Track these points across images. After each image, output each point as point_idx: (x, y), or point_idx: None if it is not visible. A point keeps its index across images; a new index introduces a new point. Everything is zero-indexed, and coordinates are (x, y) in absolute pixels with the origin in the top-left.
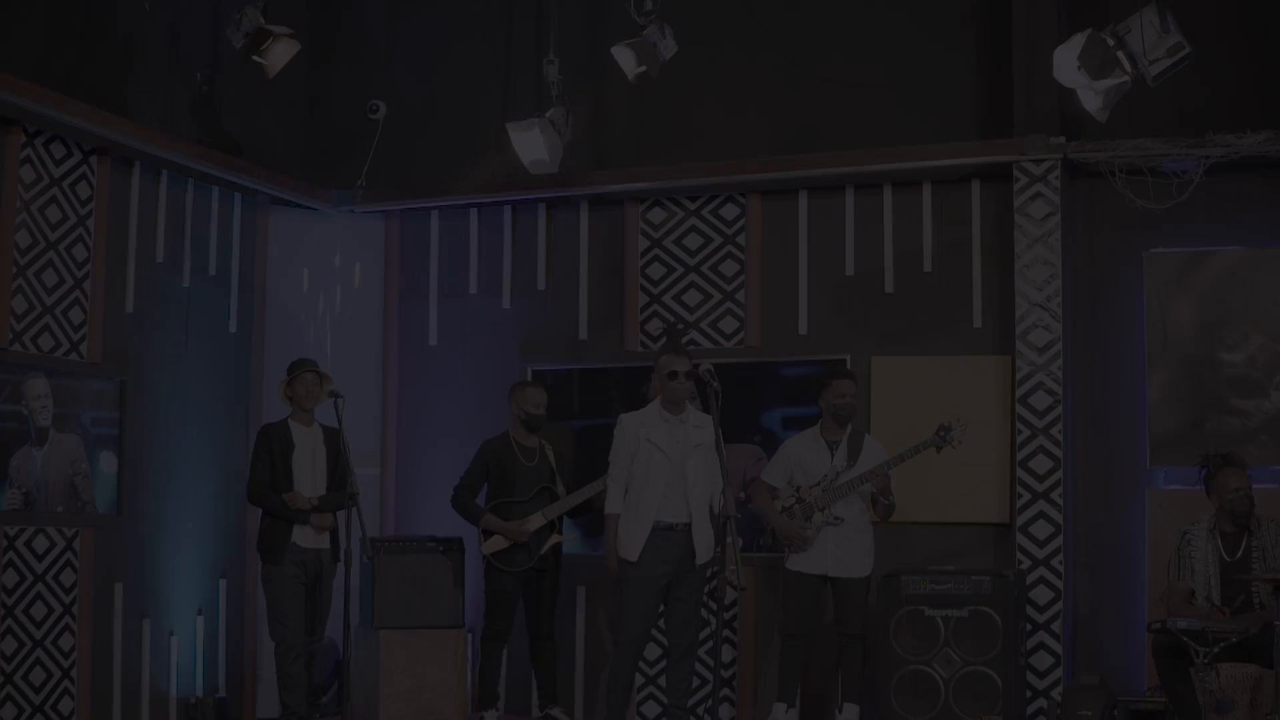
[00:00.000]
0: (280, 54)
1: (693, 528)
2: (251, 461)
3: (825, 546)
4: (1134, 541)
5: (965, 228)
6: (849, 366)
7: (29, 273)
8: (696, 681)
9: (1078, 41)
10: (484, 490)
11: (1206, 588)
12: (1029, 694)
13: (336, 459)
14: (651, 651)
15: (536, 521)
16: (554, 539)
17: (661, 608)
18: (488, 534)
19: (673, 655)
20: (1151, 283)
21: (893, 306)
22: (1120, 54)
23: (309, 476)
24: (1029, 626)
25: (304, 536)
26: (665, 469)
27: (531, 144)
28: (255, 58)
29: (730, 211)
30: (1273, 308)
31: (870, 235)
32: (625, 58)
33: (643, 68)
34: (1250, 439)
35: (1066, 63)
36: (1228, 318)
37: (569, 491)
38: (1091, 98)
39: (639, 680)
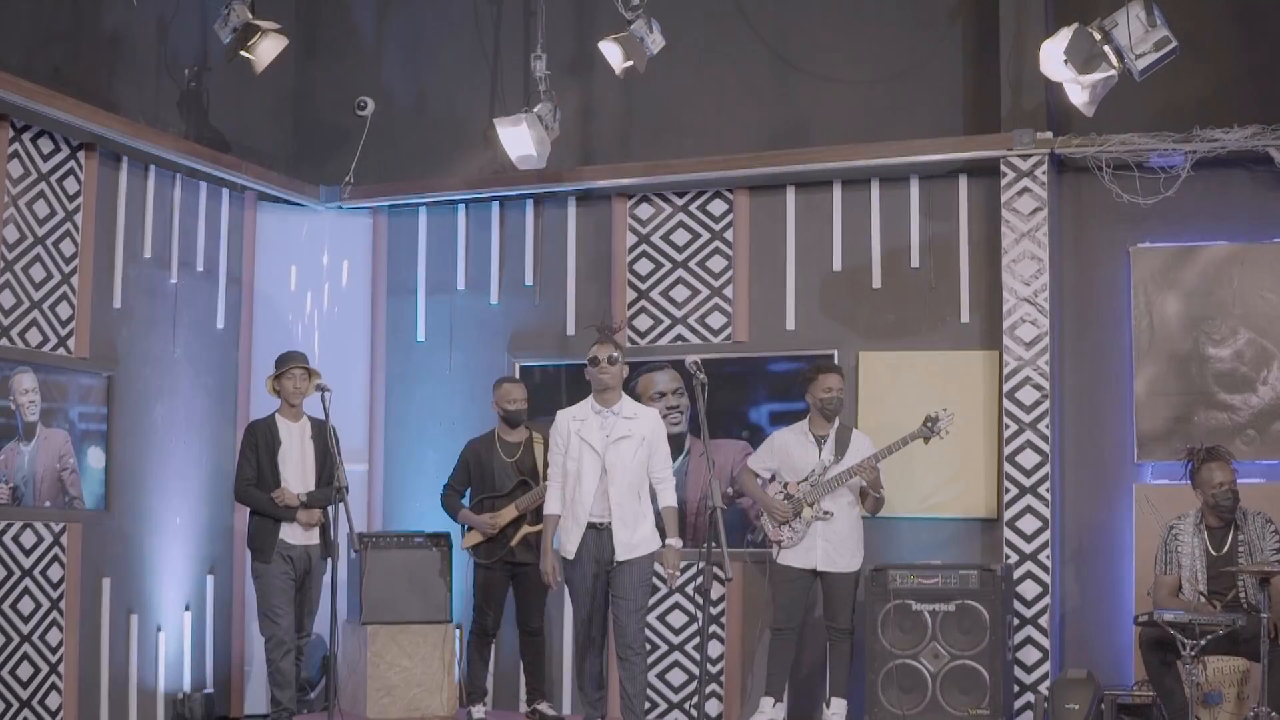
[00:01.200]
0: (268, 50)
1: (612, 526)
2: (238, 459)
3: (814, 541)
4: (1121, 536)
5: (953, 223)
6: (836, 362)
7: (16, 267)
8: (684, 677)
9: (1064, 36)
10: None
11: (1193, 581)
12: (1017, 689)
13: (325, 453)
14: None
15: (509, 514)
16: (525, 529)
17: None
18: (469, 529)
19: (617, 656)
20: (1139, 277)
21: (880, 302)
22: (1107, 48)
23: (297, 472)
24: (1016, 621)
25: (292, 533)
26: (597, 465)
27: (519, 139)
28: (243, 53)
29: (718, 207)
30: (1260, 303)
31: (858, 231)
32: (612, 52)
33: (630, 62)
34: (1237, 434)
35: (1053, 57)
36: (1215, 313)
37: None
38: (1078, 92)
39: None
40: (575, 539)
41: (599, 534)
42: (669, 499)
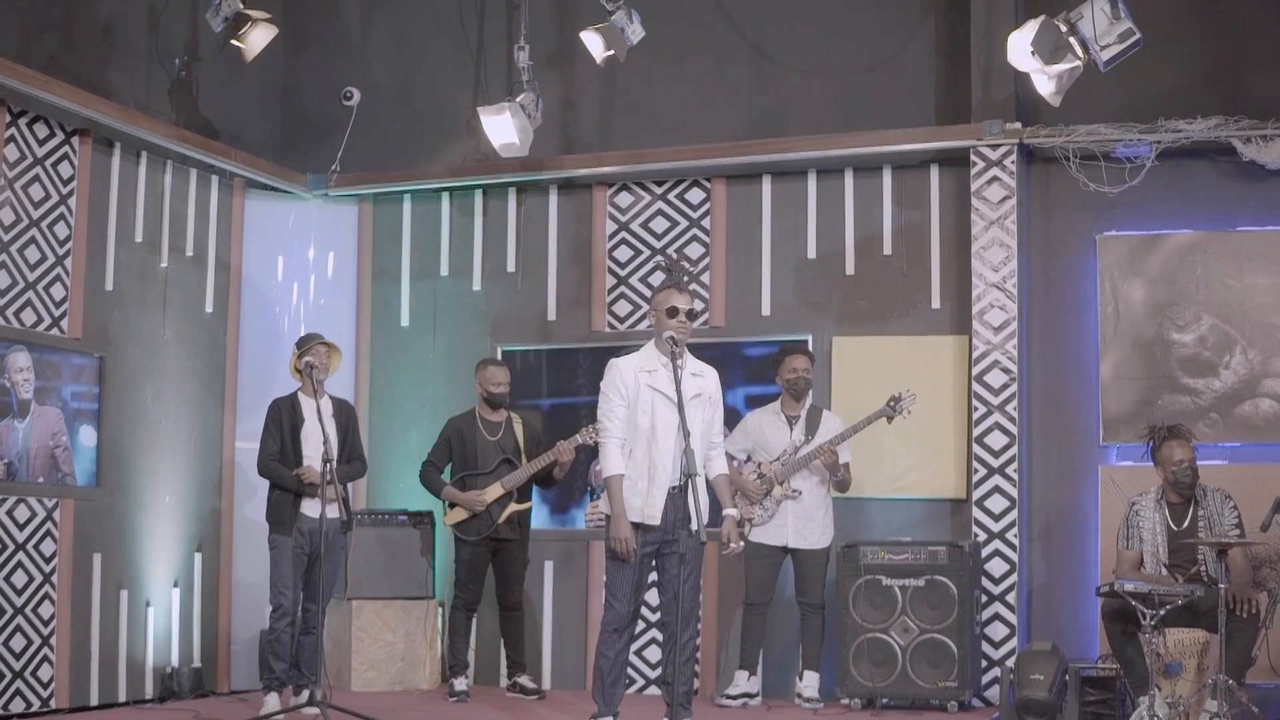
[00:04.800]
0: (259, 38)
1: (690, 488)
2: (262, 434)
3: (785, 519)
4: (1087, 516)
5: (924, 211)
6: (810, 347)
7: (12, 249)
8: (660, 654)
9: (1031, 27)
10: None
11: (1155, 555)
12: (985, 663)
13: (345, 431)
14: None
15: (495, 491)
16: (511, 507)
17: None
18: (452, 506)
19: (672, 633)
20: (1105, 264)
21: (853, 288)
22: (1072, 40)
23: (318, 449)
24: (985, 598)
25: (312, 507)
26: (675, 421)
27: (502, 127)
28: (234, 42)
29: (696, 196)
30: (1222, 289)
31: (832, 219)
32: (594, 42)
33: (610, 52)
34: (1200, 417)
35: (1020, 48)
36: (1179, 299)
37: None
38: (1045, 83)
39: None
40: (658, 502)
41: (672, 498)
42: (722, 466)
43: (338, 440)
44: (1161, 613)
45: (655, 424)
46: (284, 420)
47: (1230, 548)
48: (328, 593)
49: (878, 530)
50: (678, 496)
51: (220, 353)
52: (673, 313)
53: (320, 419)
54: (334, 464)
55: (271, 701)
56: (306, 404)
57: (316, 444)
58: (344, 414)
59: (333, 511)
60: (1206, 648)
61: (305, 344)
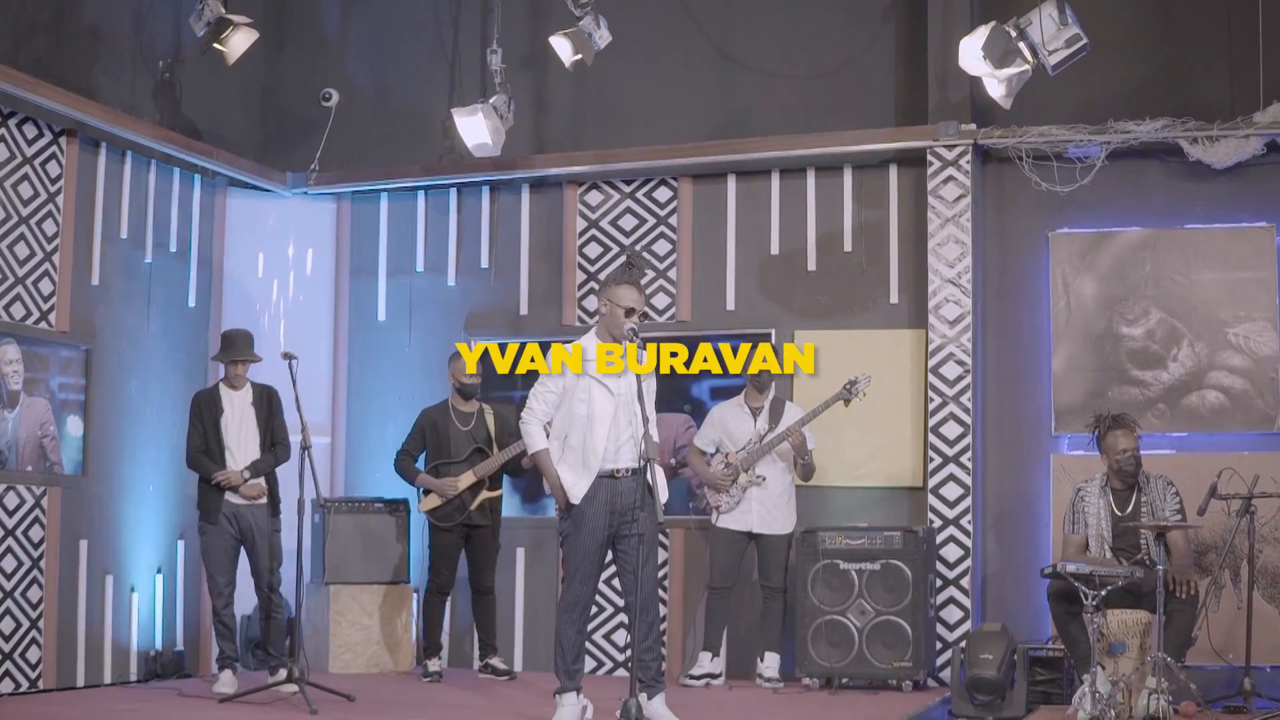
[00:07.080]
0: (240, 42)
1: (649, 470)
2: (188, 429)
3: (750, 505)
4: (1039, 503)
5: (883, 210)
6: (773, 340)
7: (2, 245)
8: (627, 637)
9: (982, 33)
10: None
11: (1100, 540)
12: (940, 645)
13: (269, 418)
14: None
15: (467, 479)
16: (483, 495)
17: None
18: (426, 493)
19: (634, 614)
20: (1057, 261)
21: (815, 284)
22: (1021, 45)
23: (238, 440)
24: (939, 582)
25: (237, 495)
26: (611, 409)
27: (475, 128)
28: (216, 45)
29: (663, 194)
30: (1171, 285)
31: (794, 217)
32: (562, 47)
33: (579, 56)
34: (1149, 408)
35: (971, 53)
36: (1128, 294)
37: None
38: (995, 86)
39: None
40: (582, 488)
41: (610, 484)
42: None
43: (260, 428)
44: (1103, 593)
45: (592, 412)
46: (204, 413)
47: (1169, 531)
48: (275, 576)
49: (837, 516)
50: (619, 481)
51: (202, 346)
52: (629, 313)
53: (256, 404)
54: (310, 447)
55: (225, 679)
56: (228, 395)
57: (236, 434)
58: (265, 400)
59: (259, 499)
60: (1149, 628)
61: (228, 353)
